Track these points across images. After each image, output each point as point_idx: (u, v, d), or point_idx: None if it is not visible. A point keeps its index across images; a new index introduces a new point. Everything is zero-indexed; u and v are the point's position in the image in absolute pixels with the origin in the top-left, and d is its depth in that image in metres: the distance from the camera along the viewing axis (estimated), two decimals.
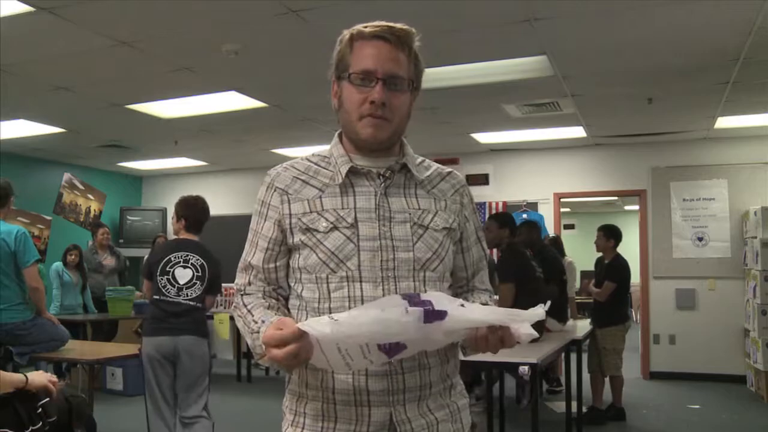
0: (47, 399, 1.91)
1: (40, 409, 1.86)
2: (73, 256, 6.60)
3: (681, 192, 7.25)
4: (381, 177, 1.32)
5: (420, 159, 1.42)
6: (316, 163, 1.37)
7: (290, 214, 1.32)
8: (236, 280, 1.41)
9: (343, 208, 1.29)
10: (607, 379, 5.28)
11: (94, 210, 9.03)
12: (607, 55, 4.41)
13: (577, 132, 6.90)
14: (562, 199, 7.95)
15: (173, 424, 3.66)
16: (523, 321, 1.13)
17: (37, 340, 3.92)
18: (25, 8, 3.54)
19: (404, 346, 1.12)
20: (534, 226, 5.39)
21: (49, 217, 8.29)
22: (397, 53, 1.29)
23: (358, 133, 1.31)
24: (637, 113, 6.05)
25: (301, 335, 1.07)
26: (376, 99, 1.26)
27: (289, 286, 1.36)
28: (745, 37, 4.01)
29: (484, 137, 7.18)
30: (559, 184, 7.80)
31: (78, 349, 4.24)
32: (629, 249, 8.00)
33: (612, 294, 5.25)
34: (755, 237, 6.28)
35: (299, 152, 7.79)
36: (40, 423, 1.84)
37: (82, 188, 8.83)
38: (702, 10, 3.64)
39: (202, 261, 3.76)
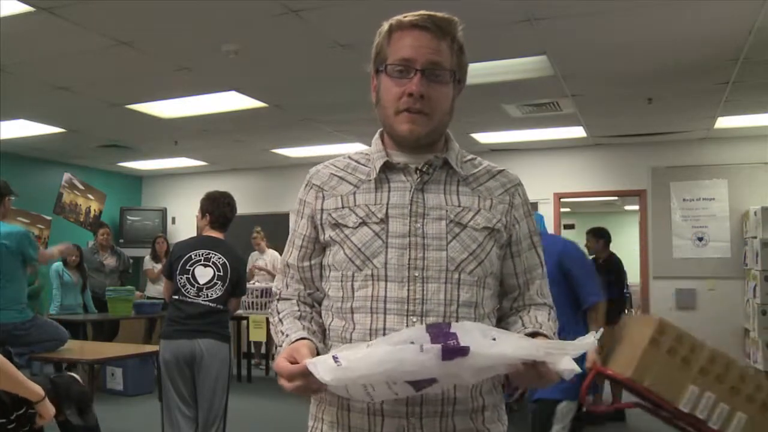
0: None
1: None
2: (73, 257, 6.61)
3: (681, 192, 7.25)
4: (418, 172, 1.25)
5: (469, 156, 1.35)
6: (356, 161, 1.32)
7: (322, 210, 1.28)
8: (275, 283, 1.38)
9: (375, 204, 1.24)
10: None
11: (94, 210, 9.03)
12: (607, 55, 4.41)
13: (577, 132, 6.90)
14: (562, 199, 7.95)
15: None
16: (564, 354, 1.00)
17: (36, 340, 3.92)
18: (25, 8, 3.53)
19: (434, 380, 1.01)
20: None
21: (49, 217, 8.29)
22: (439, 43, 1.21)
23: (394, 128, 1.24)
24: (637, 113, 6.05)
25: (309, 372, 1.01)
26: (414, 91, 1.19)
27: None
28: (745, 37, 4.01)
29: (484, 137, 7.18)
30: (559, 184, 7.79)
31: (78, 349, 4.24)
32: (629, 249, 8.03)
33: (606, 292, 5.27)
34: (755, 237, 6.27)
35: (299, 152, 7.79)
36: (25, 407, 1.81)
37: (82, 188, 8.83)
38: (702, 11, 3.64)
39: (225, 260, 3.51)
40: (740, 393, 2.36)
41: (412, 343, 0.98)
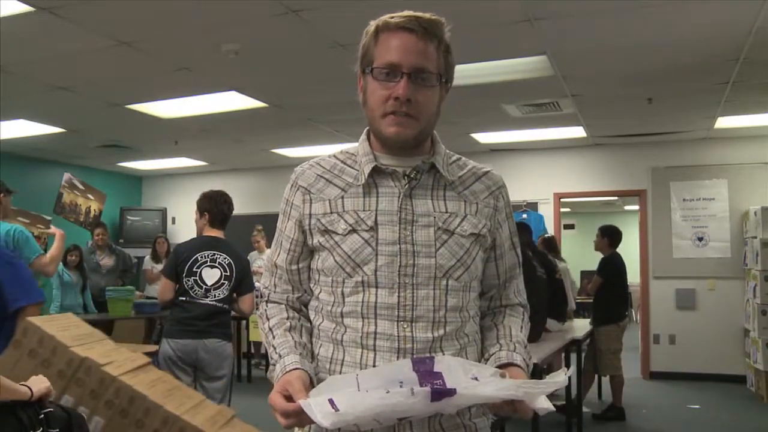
0: (50, 409, 1.89)
1: (42, 416, 1.85)
2: (73, 257, 6.61)
3: (681, 192, 7.25)
4: (406, 177, 1.25)
5: (455, 157, 1.35)
6: (342, 161, 1.31)
7: (310, 215, 1.28)
8: (262, 281, 1.38)
9: (364, 210, 1.24)
10: (606, 379, 5.30)
11: (94, 210, 9.01)
12: (607, 55, 4.41)
13: (577, 132, 6.90)
14: (562, 199, 7.95)
15: None
16: (540, 393, 1.06)
17: None
18: (25, 8, 3.53)
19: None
20: (524, 227, 5.38)
21: (49, 217, 8.25)
22: (425, 45, 1.20)
23: (381, 130, 1.24)
24: (637, 113, 6.05)
25: (302, 411, 1.04)
26: (400, 95, 1.19)
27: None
28: (745, 37, 4.01)
29: (484, 137, 7.18)
30: (559, 184, 7.80)
31: None
32: (629, 249, 8.01)
33: (604, 291, 5.30)
34: (755, 237, 6.27)
35: (299, 152, 7.79)
36: (41, 430, 1.83)
37: (82, 188, 8.81)
38: (702, 10, 3.64)
39: (230, 259, 3.61)
40: (100, 397, 2.30)
41: (401, 383, 1.05)
